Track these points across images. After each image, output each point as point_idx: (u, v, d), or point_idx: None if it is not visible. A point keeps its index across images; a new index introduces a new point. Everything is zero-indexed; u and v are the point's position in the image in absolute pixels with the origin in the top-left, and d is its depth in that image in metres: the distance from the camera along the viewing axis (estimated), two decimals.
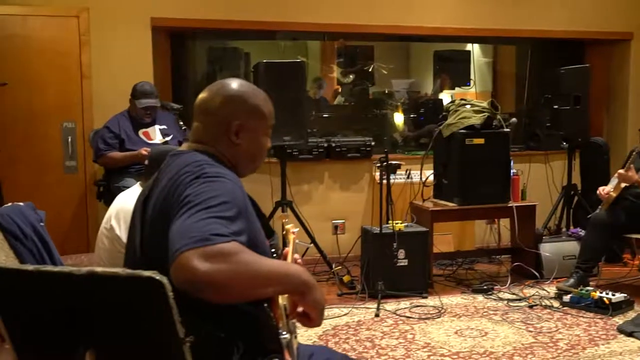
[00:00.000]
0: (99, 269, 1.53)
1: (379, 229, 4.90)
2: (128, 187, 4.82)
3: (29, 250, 2.77)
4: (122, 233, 3.07)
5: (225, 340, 1.72)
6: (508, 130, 5.30)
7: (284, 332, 1.72)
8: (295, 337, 1.84)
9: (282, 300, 1.79)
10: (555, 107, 5.90)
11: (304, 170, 6.04)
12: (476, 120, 5.19)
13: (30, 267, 1.59)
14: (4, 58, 5.13)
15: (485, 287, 5.06)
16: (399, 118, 7.78)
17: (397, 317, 4.51)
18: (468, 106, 5.31)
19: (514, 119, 5.76)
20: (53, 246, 2.91)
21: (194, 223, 1.57)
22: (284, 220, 2.36)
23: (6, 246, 2.69)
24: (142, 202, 1.87)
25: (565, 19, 6.80)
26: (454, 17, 6.59)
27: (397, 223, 4.97)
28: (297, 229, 2.33)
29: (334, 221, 6.13)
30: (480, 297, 4.92)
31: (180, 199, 1.67)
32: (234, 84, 1.96)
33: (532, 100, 7.13)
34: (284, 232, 2.27)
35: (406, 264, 4.96)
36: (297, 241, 2.24)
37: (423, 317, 4.51)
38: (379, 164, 5.00)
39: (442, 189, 5.41)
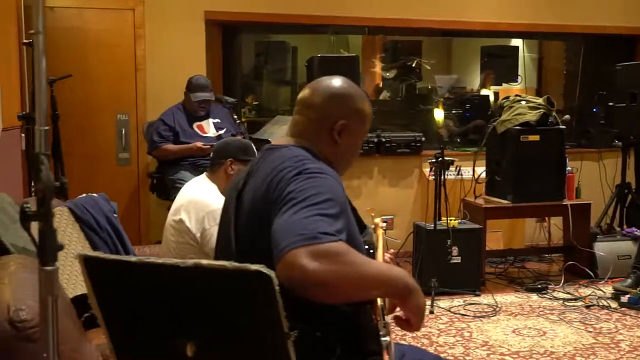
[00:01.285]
0: (204, 262, 1.52)
1: (432, 226, 4.86)
2: (183, 180, 4.86)
3: (104, 241, 2.79)
4: (192, 225, 3.08)
5: (322, 340, 1.71)
6: (564, 127, 5.22)
7: (384, 334, 1.71)
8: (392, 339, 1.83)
9: (380, 301, 1.77)
10: (610, 104, 5.80)
11: (354, 165, 5.99)
12: (532, 116, 5.12)
13: (132, 258, 1.59)
14: (60, 50, 5.17)
15: (539, 285, 5.00)
16: (443, 114, 7.71)
17: (451, 314, 4.47)
18: (523, 102, 5.24)
19: (567, 116, 5.68)
20: (126, 237, 2.94)
21: (301, 220, 1.56)
22: (372, 214, 2.34)
23: (82, 237, 2.72)
24: (236, 197, 1.86)
25: (618, 15, 6.68)
26: (500, 12, 6.52)
27: (451, 220, 4.93)
28: (386, 223, 2.31)
29: (382, 217, 6.08)
30: (534, 296, 4.86)
31: (282, 195, 1.65)
32: (342, 83, 1.94)
33: (583, 97, 7.02)
34: (373, 226, 2.25)
35: (459, 261, 4.92)
36: (385, 236, 2.21)
37: (478, 315, 4.47)
38: (433, 160, 4.96)
39: (494, 186, 5.35)
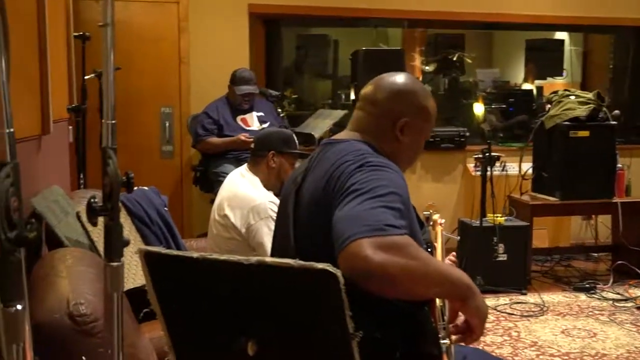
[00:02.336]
0: (268, 259, 1.49)
1: (478, 222, 4.78)
2: (226, 173, 4.84)
3: (155, 235, 2.78)
4: (237, 221, 3.06)
5: (383, 342, 1.66)
6: (614, 122, 5.09)
7: (444, 337, 1.66)
8: (452, 342, 1.77)
9: (438, 302, 1.73)
10: None
11: None
12: (581, 111, 5.00)
13: (194, 254, 1.57)
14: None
15: (587, 285, 4.89)
16: (486, 109, 7.59)
17: (498, 313, 4.40)
18: (573, 97, 5.13)
19: (617, 111, 5.53)
20: (177, 231, 2.93)
21: (365, 211, 1.52)
22: (430, 210, 2.28)
23: (134, 230, 2.71)
24: (295, 192, 1.83)
25: None
26: (545, 4, 6.38)
27: (497, 216, 4.84)
28: (444, 220, 2.26)
29: (425, 212, 6.02)
30: (582, 296, 4.76)
31: (344, 187, 1.62)
32: (406, 79, 1.91)
33: (633, 92, 6.85)
34: (431, 223, 2.20)
35: (505, 258, 4.83)
36: (444, 233, 2.16)
37: (525, 314, 4.38)
38: (480, 156, 4.87)
39: (541, 183, 5.24)
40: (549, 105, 5.37)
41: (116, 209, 1.32)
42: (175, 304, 1.69)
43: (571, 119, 5.00)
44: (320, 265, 1.44)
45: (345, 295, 1.45)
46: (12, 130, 1.08)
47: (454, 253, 2.29)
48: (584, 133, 4.99)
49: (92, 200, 1.31)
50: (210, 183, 5.05)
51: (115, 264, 1.34)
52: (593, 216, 5.94)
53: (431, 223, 2.25)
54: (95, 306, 1.76)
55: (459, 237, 3.04)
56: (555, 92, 5.35)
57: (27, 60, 2.54)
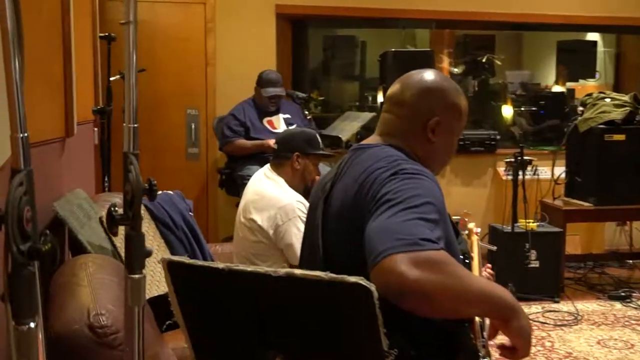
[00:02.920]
0: (297, 272, 1.41)
1: (510, 228, 4.66)
2: (252, 176, 4.79)
3: (179, 240, 2.71)
4: (265, 223, 2.99)
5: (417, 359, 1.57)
6: None
7: (484, 355, 1.56)
8: None
9: (478, 318, 1.63)
10: None
11: None
12: (617, 114, 4.86)
13: (220, 264, 1.49)
14: None
15: (622, 293, 4.74)
16: (516, 111, 7.45)
17: (530, 321, 4.26)
18: (608, 100, 4.98)
19: None
20: (202, 236, 2.86)
21: (400, 223, 1.43)
22: (465, 218, 2.18)
23: (158, 236, 2.65)
24: (324, 200, 1.74)
25: None
26: (576, 4, 6.23)
27: (529, 222, 4.72)
28: (480, 229, 2.16)
29: (454, 217, 5.90)
30: (618, 305, 4.61)
31: (377, 196, 1.53)
32: (434, 76, 1.80)
33: None
34: (466, 232, 2.10)
35: (537, 265, 4.70)
36: (481, 243, 2.06)
37: (559, 323, 4.25)
38: (512, 160, 4.75)
39: (575, 188, 5.10)
40: (581, 108, 5.24)
41: (138, 217, 1.25)
42: (199, 316, 1.62)
43: (606, 122, 4.86)
44: (352, 279, 1.36)
45: (379, 310, 1.36)
46: (26, 134, 1.01)
47: (489, 265, 2.18)
48: (620, 136, 4.84)
49: (112, 208, 1.24)
50: (236, 186, 4.98)
51: (136, 275, 1.27)
52: (628, 222, 5.78)
53: (466, 232, 2.15)
54: (116, 317, 1.69)
55: (495, 247, 2.92)
56: (590, 95, 5.20)
57: (50, 61, 2.49)
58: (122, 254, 2.43)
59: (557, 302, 4.65)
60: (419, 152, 1.74)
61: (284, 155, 3.13)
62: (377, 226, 1.45)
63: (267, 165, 3.23)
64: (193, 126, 5.43)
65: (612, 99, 4.98)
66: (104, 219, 2.43)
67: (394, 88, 1.81)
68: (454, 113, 1.78)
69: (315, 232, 1.73)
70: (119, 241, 2.42)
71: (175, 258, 1.55)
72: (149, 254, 1.30)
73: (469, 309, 1.45)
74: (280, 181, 3.10)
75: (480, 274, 1.96)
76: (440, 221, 1.50)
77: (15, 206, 0.96)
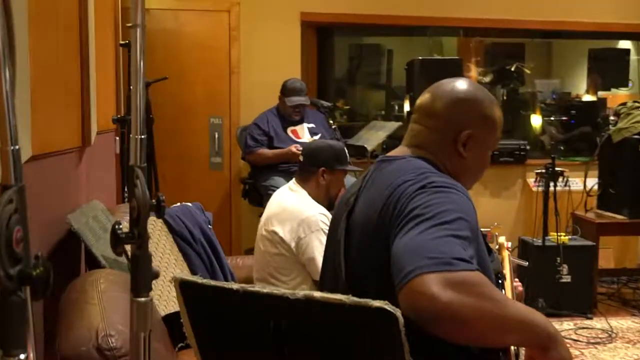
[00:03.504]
0: (316, 294, 1.31)
1: (540, 241, 4.51)
2: (276, 186, 4.68)
3: (197, 254, 2.62)
4: (287, 235, 2.90)
5: None
6: None
7: None
8: None
9: (512, 348, 1.51)
10: None
11: None
12: None
13: (234, 285, 1.39)
14: (155, 52, 5.09)
15: None
16: (546, 121, 7.29)
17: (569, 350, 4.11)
18: None
19: None
20: (221, 250, 2.77)
21: (430, 240, 1.32)
22: (495, 233, 2.07)
23: (175, 249, 2.56)
24: (347, 215, 1.64)
25: None
26: (608, 11, 6.06)
27: (561, 235, 4.56)
28: (510, 243, 2.04)
29: (482, 229, 5.76)
30: None
31: (404, 211, 1.42)
32: (467, 85, 1.68)
33: None
34: (497, 247, 1.99)
35: (569, 280, 4.55)
36: (512, 258, 1.94)
37: (592, 341, 4.10)
38: (543, 170, 4.61)
39: (608, 199, 4.93)
40: (612, 118, 5.08)
41: (144, 236, 1.16)
42: (212, 338, 1.53)
43: None
44: (376, 303, 1.25)
45: (405, 337, 1.26)
46: (17, 147, 0.93)
47: (517, 281, 2.05)
48: None
49: (116, 226, 1.15)
50: (259, 196, 4.91)
51: (143, 299, 1.17)
52: None
53: (497, 247, 2.03)
54: (126, 338, 1.59)
55: (527, 263, 2.79)
56: (624, 104, 5.04)
57: (66, 69, 2.42)
58: None
59: (590, 318, 4.48)
60: (449, 167, 1.63)
61: (309, 170, 3.05)
62: (405, 244, 1.35)
63: (293, 179, 3.15)
64: (217, 135, 5.36)
65: None
66: None
67: (424, 97, 1.70)
68: (487, 126, 1.66)
69: (337, 249, 1.63)
70: None
71: (188, 277, 1.46)
72: (156, 275, 1.21)
73: (505, 336, 1.34)
74: (304, 194, 3.01)
75: (512, 292, 1.84)
76: (472, 239, 1.39)
77: (4, 226, 0.88)
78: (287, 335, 1.38)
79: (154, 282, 2.26)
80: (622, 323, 4.42)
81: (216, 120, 5.37)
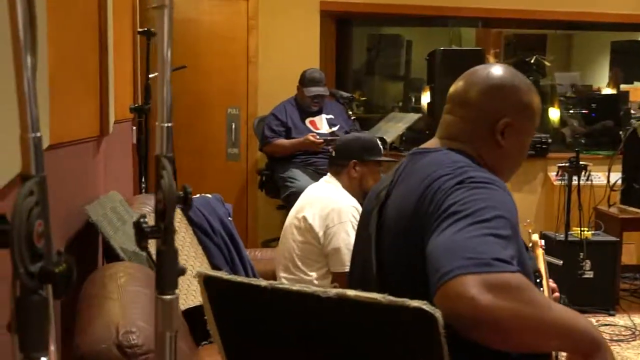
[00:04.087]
0: (350, 292, 1.24)
1: (563, 236, 4.42)
2: (293, 178, 4.64)
3: (217, 247, 2.56)
4: (316, 222, 2.86)
5: None
6: None
7: None
8: None
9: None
10: None
11: None
12: None
13: (262, 282, 1.33)
14: (175, 42, 5.02)
15: None
16: (566, 114, 7.17)
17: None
18: None
19: None
20: (241, 243, 2.71)
21: (468, 239, 1.25)
22: (529, 230, 1.99)
23: (195, 242, 2.50)
24: (378, 209, 1.56)
25: None
26: (630, 3, 5.94)
27: (584, 230, 4.47)
28: (544, 240, 1.96)
29: None
30: None
31: (441, 208, 1.35)
32: (502, 71, 1.60)
33: None
34: (530, 245, 1.91)
35: (592, 276, 4.46)
36: (546, 257, 1.86)
37: (615, 338, 4.01)
38: (567, 164, 4.51)
39: (632, 194, 4.82)
40: (633, 111, 4.97)
41: (170, 230, 1.09)
42: (238, 335, 1.46)
43: None
44: (415, 303, 1.18)
45: (444, 339, 1.19)
46: (38, 134, 0.86)
47: (551, 280, 1.97)
48: None
49: (141, 220, 1.08)
50: (276, 188, 4.84)
51: (168, 296, 1.11)
52: None
53: (530, 244, 1.95)
54: (147, 335, 1.54)
55: (562, 262, 2.70)
56: None
57: (85, 58, 2.37)
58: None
59: (613, 315, 4.40)
60: (486, 158, 1.56)
61: (340, 163, 3.03)
62: (442, 242, 1.28)
63: (328, 173, 3.12)
64: (234, 126, 5.29)
65: None
66: None
67: (457, 86, 1.62)
68: (526, 113, 1.58)
69: (367, 245, 1.56)
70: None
71: (213, 273, 1.40)
72: (182, 271, 1.14)
73: (548, 342, 1.26)
74: (339, 186, 3.00)
75: (549, 292, 1.77)
76: (512, 238, 1.32)
77: (24, 219, 0.81)
78: (316, 335, 1.32)
79: None
80: None
81: (233, 111, 5.30)
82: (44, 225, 0.85)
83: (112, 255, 2.27)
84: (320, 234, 2.86)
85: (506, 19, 6.21)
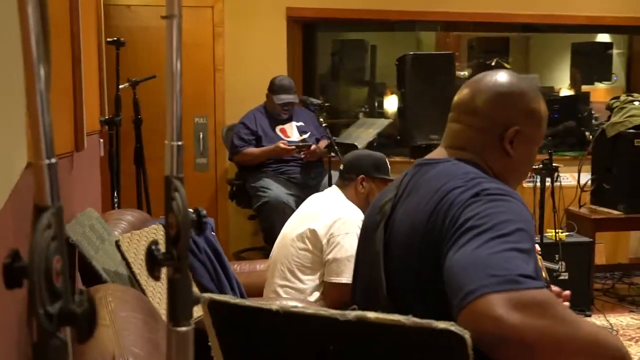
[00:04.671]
0: (370, 315, 1.17)
1: (538, 238, 4.42)
2: (266, 187, 4.55)
3: (202, 264, 2.47)
4: (322, 229, 2.80)
5: None
6: None
7: None
8: None
9: None
10: None
11: None
12: None
13: (273, 306, 1.25)
14: (137, 50, 4.90)
15: None
16: None
17: None
18: (637, 103, 4.75)
19: None
20: (226, 259, 2.62)
21: (491, 256, 1.20)
22: None
23: None
24: (384, 224, 1.50)
25: None
26: (587, 5, 6.02)
27: (559, 232, 4.49)
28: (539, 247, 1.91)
29: None
30: None
31: (457, 222, 1.29)
32: (509, 77, 1.56)
33: None
34: None
35: (567, 277, 4.47)
36: (544, 263, 1.82)
37: None
38: (540, 166, 4.52)
39: (602, 195, 4.86)
40: (595, 112, 5.01)
41: (184, 257, 1.01)
42: None
43: (636, 126, 4.63)
44: (442, 325, 1.12)
45: None
46: (53, 161, 0.78)
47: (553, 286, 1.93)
48: None
49: (152, 247, 1.00)
50: (248, 198, 4.75)
51: (183, 328, 1.03)
52: None
53: None
54: None
55: (558, 267, 2.68)
56: (617, 98, 4.98)
57: (58, 69, 2.25)
58: (142, 281, 2.19)
59: (589, 315, 4.41)
60: (494, 167, 1.51)
61: (348, 177, 3.01)
62: (462, 259, 1.22)
63: (333, 186, 3.10)
64: (201, 135, 5.19)
65: None
66: (121, 243, 2.19)
67: (463, 93, 1.57)
68: (534, 120, 1.55)
69: (375, 261, 1.49)
70: (137, 267, 2.18)
71: (218, 297, 1.32)
72: (197, 301, 1.06)
73: (578, 358, 1.22)
74: (343, 197, 2.96)
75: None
76: (532, 250, 1.27)
77: (43, 256, 0.73)
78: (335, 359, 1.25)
79: (158, 295, 2.10)
80: (620, 320, 4.36)
81: (200, 120, 5.20)
82: (62, 261, 0.77)
83: (91, 275, 2.17)
84: (324, 241, 2.81)
85: (467, 22, 6.23)
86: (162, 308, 2.15)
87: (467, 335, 1.11)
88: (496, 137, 1.51)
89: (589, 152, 5.04)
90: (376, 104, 7.50)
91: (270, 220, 4.41)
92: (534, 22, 6.24)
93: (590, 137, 5.62)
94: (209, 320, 1.36)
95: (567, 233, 4.66)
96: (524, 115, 1.52)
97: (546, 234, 4.49)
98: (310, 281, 2.78)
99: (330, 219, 2.80)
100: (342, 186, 3.00)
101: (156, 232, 2.35)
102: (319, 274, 2.80)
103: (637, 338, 4.02)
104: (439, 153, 1.56)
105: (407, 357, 1.19)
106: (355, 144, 5.02)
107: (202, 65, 5.16)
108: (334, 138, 4.70)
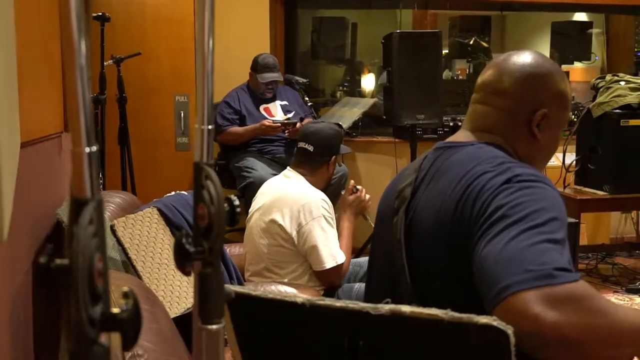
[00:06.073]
0: (405, 309, 1.11)
1: None
2: (250, 167, 4.46)
3: None
4: (287, 224, 2.73)
5: None
6: None
7: None
8: None
9: None
10: None
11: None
12: (633, 98, 4.61)
13: (299, 299, 1.19)
14: (117, 26, 4.74)
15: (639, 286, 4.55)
16: None
17: None
18: (622, 83, 4.74)
19: None
20: (223, 245, 2.53)
21: (525, 248, 1.14)
22: None
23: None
24: (405, 209, 1.43)
25: None
26: None
27: None
28: None
29: None
30: (637, 298, 4.40)
31: (488, 210, 1.23)
32: (536, 57, 1.50)
33: None
34: None
35: None
36: None
37: None
38: None
39: (587, 175, 4.85)
40: (572, 92, 4.99)
41: (217, 251, 0.94)
42: (266, 359, 1.31)
43: (622, 106, 4.62)
44: (483, 320, 1.06)
45: (515, 359, 1.08)
46: (94, 148, 0.70)
47: None
48: (637, 122, 4.60)
49: (183, 239, 0.92)
50: (232, 178, 4.66)
51: (214, 326, 0.95)
52: (634, 210, 5.57)
53: None
54: (156, 357, 1.38)
55: None
56: (602, 78, 4.96)
57: (46, 45, 2.14)
58: (138, 267, 2.11)
59: None
60: (519, 151, 1.46)
61: (321, 160, 2.90)
62: (494, 251, 1.16)
63: (288, 167, 2.97)
64: (182, 114, 5.07)
65: (627, 82, 4.74)
66: (117, 228, 2.10)
67: (488, 74, 1.51)
68: (562, 102, 1.50)
69: (396, 249, 1.42)
70: (134, 252, 2.10)
71: (240, 289, 1.24)
72: (228, 297, 0.99)
73: (621, 350, 1.17)
74: (302, 180, 2.84)
75: None
76: (566, 240, 1.22)
77: (87, 255, 0.65)
78: (365, 356, 1.18)
79: (155, 281, 2.01)
80: None
81: (182, 98, 5.08)
82: (103, 260, 0.69)
83: None
84: (294, 234, 2.73)
85: (444, 1, 6.16)
86: (159, 296, 2.07)
87: (510, 330, 1.05)
88: (524, 120, 1.46)
89: (573, 133, 5.02)
90: (357, 83, 7.43)
91: None
92: (512, 0, 6.19)
93: (572, 117, 5.61)
94: (227, 314, 1.29)
95: None
96: (552, 98, 1.48)
97: None
98: (289, 274, 2.74)
99: (294, 209, 2.73)
100: (311, 170, 2.88)
101: (151, 216, 2.26)
102: (297, 264, 2.75)
103: None
104: (461, 136, 1.50)
105: (444, 353, 1.13)
106: (340, 123, 4.95)
107: (183, 42, 5.02)
108: (319, 117, 4.63)
